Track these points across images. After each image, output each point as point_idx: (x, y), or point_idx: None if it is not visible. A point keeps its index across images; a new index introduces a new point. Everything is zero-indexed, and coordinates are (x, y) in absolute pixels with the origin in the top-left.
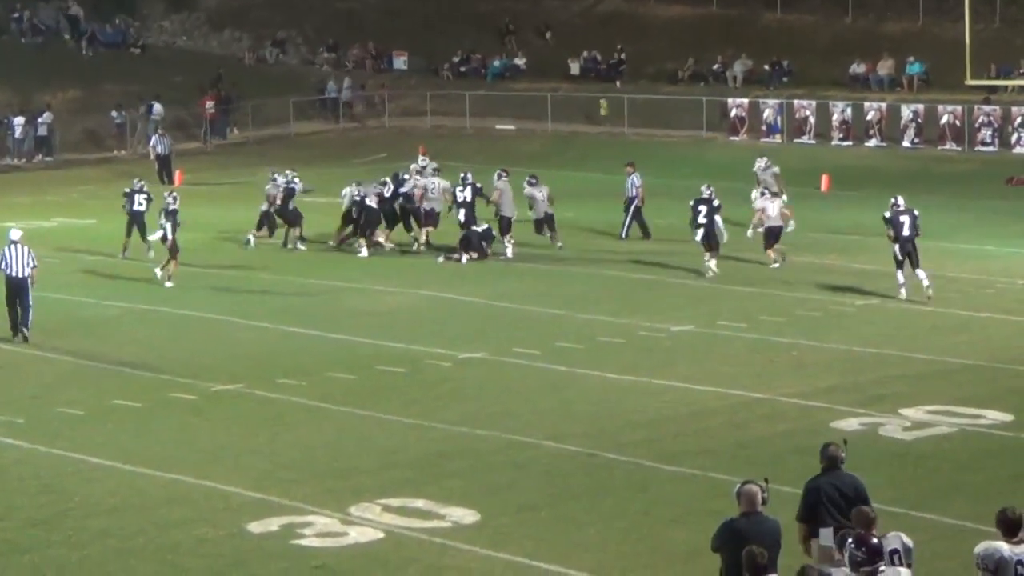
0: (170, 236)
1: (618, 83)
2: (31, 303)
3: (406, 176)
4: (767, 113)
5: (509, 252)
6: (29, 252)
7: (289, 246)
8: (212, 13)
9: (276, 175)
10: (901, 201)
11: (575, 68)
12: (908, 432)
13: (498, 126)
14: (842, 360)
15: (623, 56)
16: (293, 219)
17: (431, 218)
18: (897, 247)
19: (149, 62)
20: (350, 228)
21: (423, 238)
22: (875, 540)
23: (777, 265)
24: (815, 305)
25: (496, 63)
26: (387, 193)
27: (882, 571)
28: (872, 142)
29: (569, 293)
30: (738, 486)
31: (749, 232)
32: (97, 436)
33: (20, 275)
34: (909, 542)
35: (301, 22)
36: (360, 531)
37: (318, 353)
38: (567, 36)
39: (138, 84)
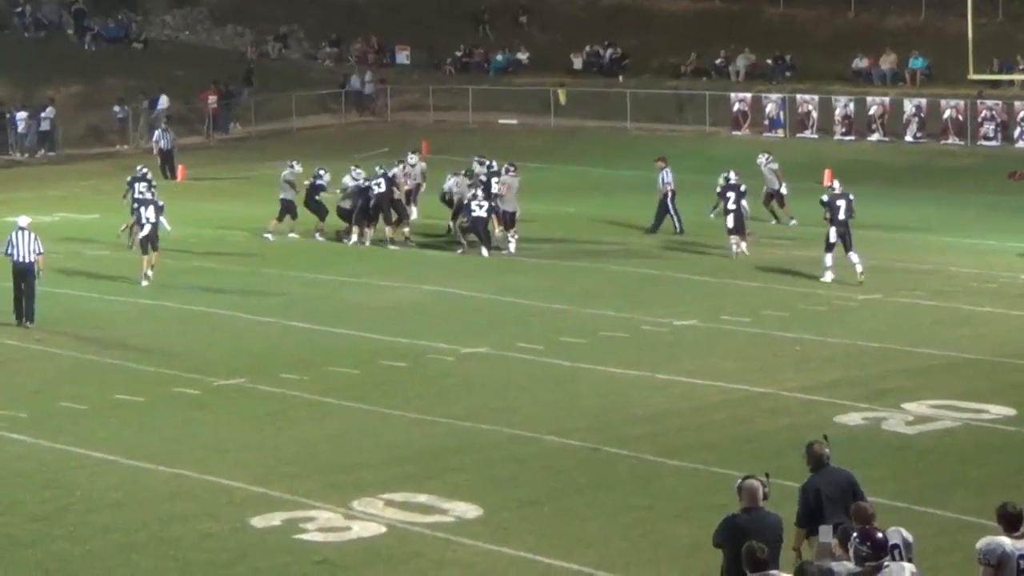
0: (169, 228)
1: (621, 78)
2: (36, 290)
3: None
4: (770, 107)
5: (512, 247)
6: (35, 239)
7: (319, 238)
8: (214, 8)
9: (294, 163)
10: (837, 185)
11: (578, 63)
12: (911, 426)
13: (501, 121)
14: (845, 354)
15: (626, 51)
16: (318, 212)
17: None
18: (833, 230)
19: (151, 57)
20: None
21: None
22: (880, 534)
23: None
24: (818, 299)
25: (499, 58)
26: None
27: (887, 566)
28: (874, 136)
29: (572, 288)
30: (739, 481)
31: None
32: (100, 431)
33: (25, 260)
34: (909, 537)
35: (303, 17)
36: (363, 526)
37: (321, 348)
38: (570, 31)
39: (140, 79)
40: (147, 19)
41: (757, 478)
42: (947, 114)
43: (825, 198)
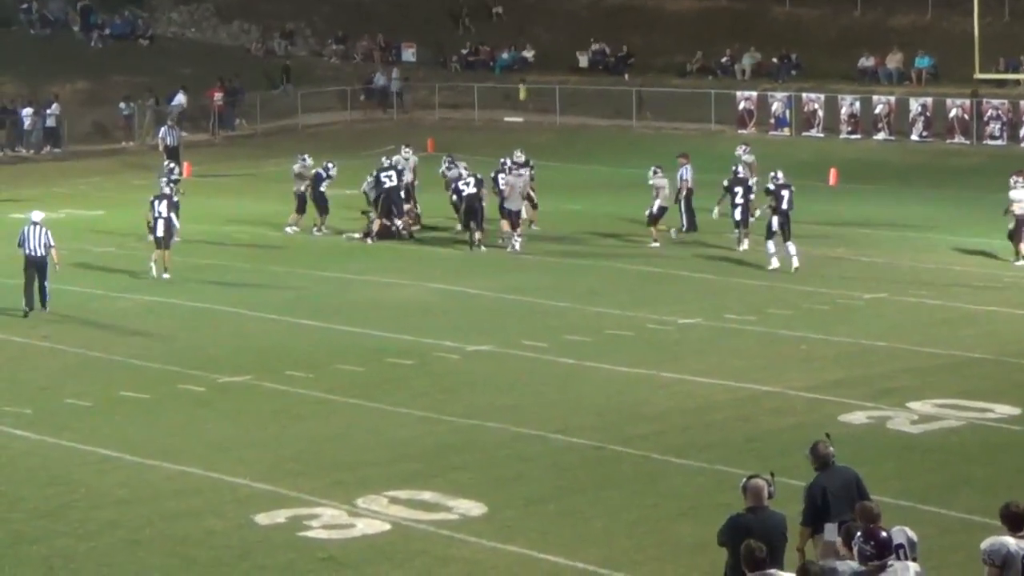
0: (177, 224)
1: (626, 76)
2: (48, 282)
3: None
4: (775, 106)
5: (517, 245)
6: (46, 232)
7: (317, 232)
8: (221, 5)
9: (305, 156)
10: (780, 175)
11: (583, 61)
12: (916, 425)
13: (506, 118)
14: (850, 353)
15: (631, 49)
16: (320, 206)
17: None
18: (775, 219)
19: (157, 54)
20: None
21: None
22: (884, 534)
23: (657, 244)
24: (823, 298)
25: (505, 55)
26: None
27: (891, 565)
28: (880, 135)
29: (577, 286)
30: (744, 480)
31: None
32: (105, 427)
33: (37, 254)
34: (914, 536)
35: (310, 14)
36: (367, 523)
37: (326, 345)
38: (576, 29)
39: (146, 76)
40: (153, 16)
41: (762, 477)
42: (953, 113)
43: (771, 187)
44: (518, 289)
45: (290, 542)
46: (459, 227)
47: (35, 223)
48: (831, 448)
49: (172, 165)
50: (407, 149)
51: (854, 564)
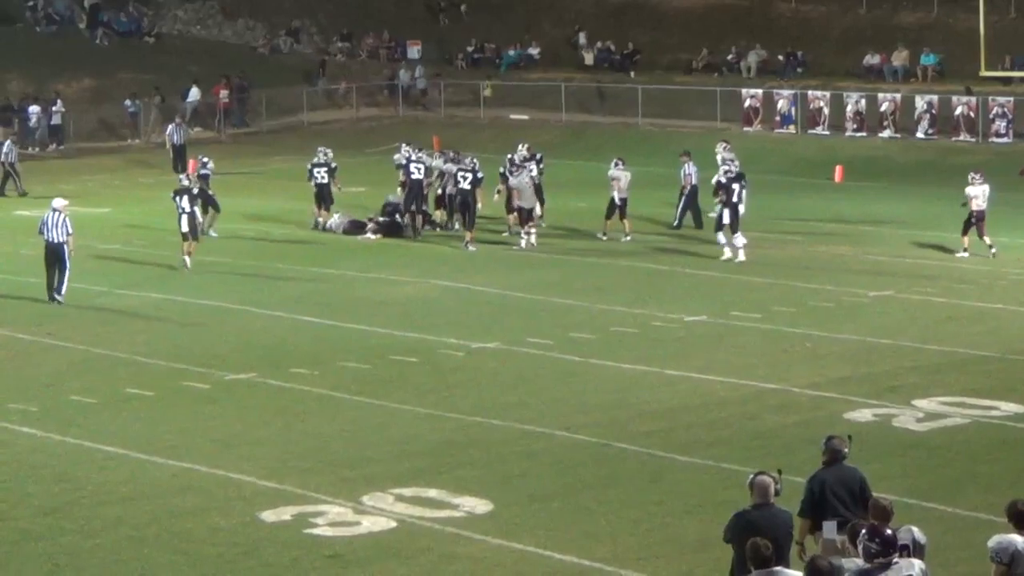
0: (200, 218)
1: (632, 73)
2: (68, 268)
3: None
4: (781, 104)
5: (523, 243)
6: (66, 220)
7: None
8: (226, 2)
9: (327, 150)
10: (734, 168)
11: (589, 58)
12: (921, 423)
13: (512, 116)
14: (855, 351)
15: (637, 46)
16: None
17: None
18: (728, 211)
19: (163, 51)
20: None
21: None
22: (889, 531)
23: (629, 239)
24: (829, 296)
25: (510, 53)
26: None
27: (896, 563)
28: (886, 133)
29: (583, 283)
30: (750, 477)
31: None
32: (110, 424)
33: (56, 240)
34: (922, 538)
35: (315, 11)
36: (373, 520)
37: (331, 342)
38: (581, 26)
39: (152, 73)
40: (159, 13)
41: (769, 474)
42: (959, 111)
43: (723, 180)
44: (523, 286)
45: (295, 539)
46: (458, 226)
47: (56, 210)
48: (846, 448)
49: (206, 159)
50: (407, 148)
51: (859, 561)
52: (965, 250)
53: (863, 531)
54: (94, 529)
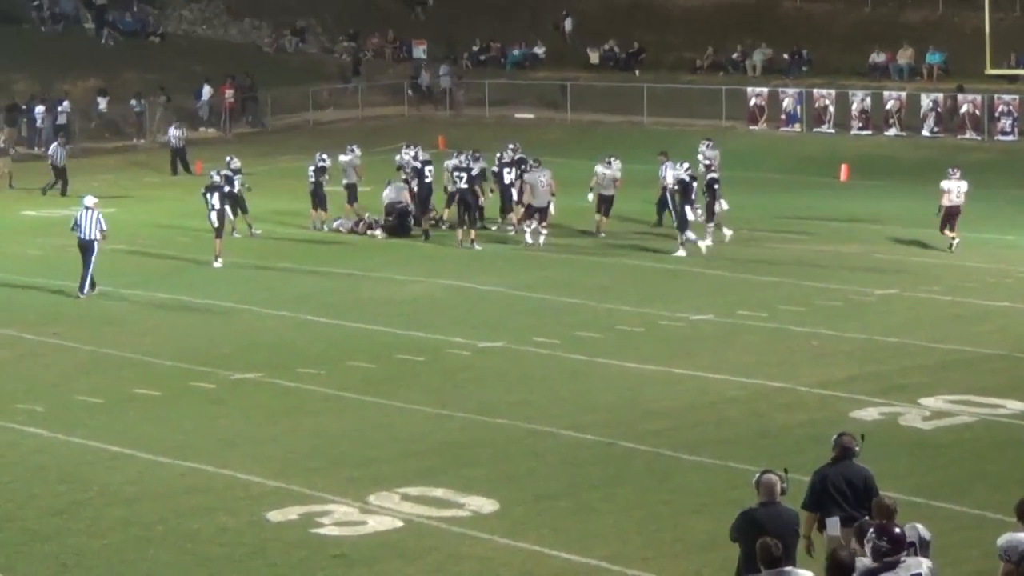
0: (231, 215)
1: (637, 72)
2: (92, 263)
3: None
4: (787, 102)
5: (540, 240)
6: (99, 217)
7: (324, 228)
8: (232, 2)
9: (354, 147)
10: (715, 166)
11: (594, 57)
12: (928, 422)
13: (517, 115)
14: (862, 349)
15: (642, 45)
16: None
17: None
18: (688, 208)
19: (168, 51)
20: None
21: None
22: (897, 529)
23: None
24: (835, 294)
25: (516, 52)
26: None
27: (903, 561)
28: (891, 131)
29: (589, 282)
30: (757, 475)
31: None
32: (117, 424)
33: (88, 237)
34: (927, 535)
35: (320, 11)
36: (379, 520)
37: (337, 342)
38: (587, 25)
39: (157, 73)
40: (164, 13)
41: (776, 473)
42: (964, 108)
43: (686, 178)
44: (529, 285)
45: (302, 539)
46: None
47: (88, 208)
48: (856, 447)
49: (230, 158)
50: (407, 149)
51: (867, 560)
52: (951, 244)
53: (871, 530)
54: (101, 529)
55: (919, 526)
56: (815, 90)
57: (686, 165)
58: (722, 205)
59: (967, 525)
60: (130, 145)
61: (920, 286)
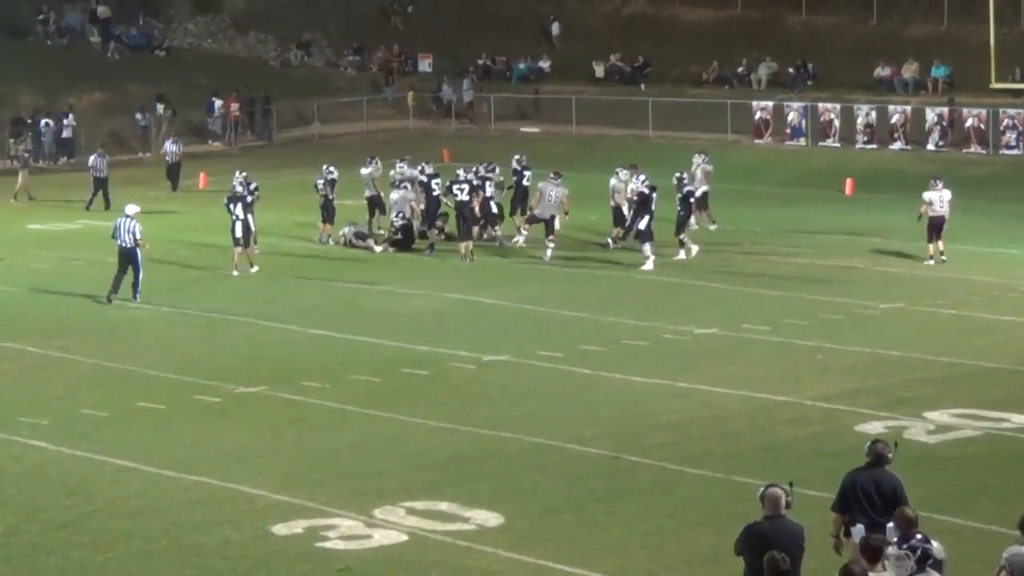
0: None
1: (642, 86)
2: (140, 270)
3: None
4: (791, 116)
5: (547, 253)
6: (136, 225)
7: (331, 242)
8: (237, 16)
9: (376, 160)
10: (644, 177)
11: (600, 71)
12: (932, 435)
13: (523, 129)
14: (866, 363)
15: (647, 59)
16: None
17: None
18: (646, 218)
19: (174, 65)
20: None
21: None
22: (928, 544)
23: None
24: (839, 308)
25: (521, 66)
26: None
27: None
28: (896, 145)
29: (593, 296)
30: (762, 489)
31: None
32: (121, 438)
33: (127, 245)
34: (940, 553)
35: (326, 25)
36: (384, 534)
37: (342, 355)
38: (592, 39)
39: (163, 87)
40: (170, 27)
41: (780, 487)
42: (969, 122)
43: (645, 191)
44: (533, 299)
45: (307, 553)
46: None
47: (128, 216)
48: (889, 454)
49: (242, 172)
50: (401, 163)
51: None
52: (931, 258)
53: (893, 540)
54: (105, 543)
55: (935, 543)
56: (820, 104)
57: (643, 178)
58: (691, 224)
59: (972, 539)
60: (135, 158)
61: (924, 300)
